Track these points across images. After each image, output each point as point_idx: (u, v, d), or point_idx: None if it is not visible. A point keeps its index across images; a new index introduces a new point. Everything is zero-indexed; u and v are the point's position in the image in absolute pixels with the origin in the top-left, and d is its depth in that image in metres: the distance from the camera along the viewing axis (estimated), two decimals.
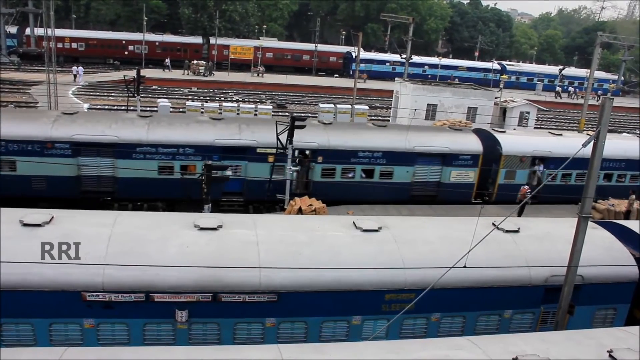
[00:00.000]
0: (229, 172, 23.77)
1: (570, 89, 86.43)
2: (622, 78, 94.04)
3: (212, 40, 79.87)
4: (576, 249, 13.57)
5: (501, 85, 58.43)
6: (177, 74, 69.37)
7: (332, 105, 47.69)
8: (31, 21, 70.17)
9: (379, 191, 26.61)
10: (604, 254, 14.99)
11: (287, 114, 47.19)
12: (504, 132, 30.71)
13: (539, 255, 14.48)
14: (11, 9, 65.88)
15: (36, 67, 63.63)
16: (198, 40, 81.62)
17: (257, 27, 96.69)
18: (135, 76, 35.85)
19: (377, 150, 26.33)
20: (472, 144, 28.27)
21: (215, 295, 12.31)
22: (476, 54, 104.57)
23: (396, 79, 50.68)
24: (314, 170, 25.97)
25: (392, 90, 48.94)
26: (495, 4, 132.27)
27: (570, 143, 29.77)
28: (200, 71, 70.03)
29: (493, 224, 14.98)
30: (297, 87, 69.48)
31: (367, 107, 51.28)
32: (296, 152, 25.12)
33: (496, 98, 46.87)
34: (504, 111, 46.51)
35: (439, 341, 11.41)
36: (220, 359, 8.91)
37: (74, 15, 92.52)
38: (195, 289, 12.20)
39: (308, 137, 25.48)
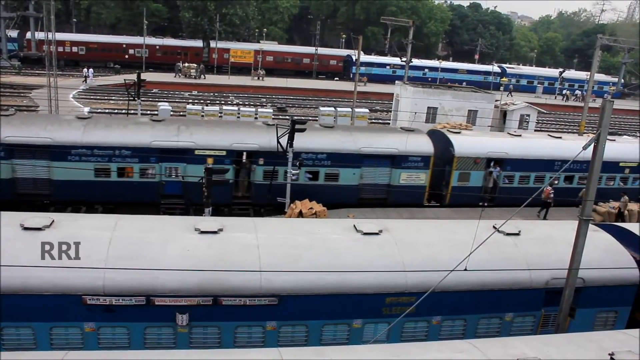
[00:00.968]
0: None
1: (577, 92, 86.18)
2: (622, 80, 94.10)
3: (213, 44, 79.97)
4: (577, 252, 13.56)
5: (504, 90, 58.43)
6: (168, 77, 69.49)
7: (333, 109, 47.71)
8: (32, 25, 70.26)
9: (325, 193, 25.70)
10: (605, 256, 14.98)
11: (287, 117, 47.22)
12: (458, 133, 29.75)
13: (540, 258, 14.47)
14: (12, 12, 66.02)
15: (37, 71, 63.73)
16: (198, 43, 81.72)
17: (257, 30, 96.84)
18: (136, 80, 35.92)
19: (321, 152, 25.59)
20: (422, 145, 27.39)
21: (216, 298, 12.30)
22: (476, 56, 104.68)
23: (396, 82, 50.70)
24: (255, 172, 25.33)
25: (393, 94, 48.92)
26: (495, 7, 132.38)
27: (528, 144, 29.58)
28: (192, 74, 70.19)
29: (494, 226, 14.97)
30: (297, 90, 69.51)
31: (367, 110, 51.29)
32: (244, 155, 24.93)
33: (496, 101, 46.85)
34: (504, 114, 46.50)
35: (440, 344, 11.40)
36: None
37: (74, 19, 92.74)
38: (196, 292, 12.19)
39: (249, 139, 25.07)
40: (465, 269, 11.99)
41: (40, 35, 65.31)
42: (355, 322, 13.34)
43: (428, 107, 42.84)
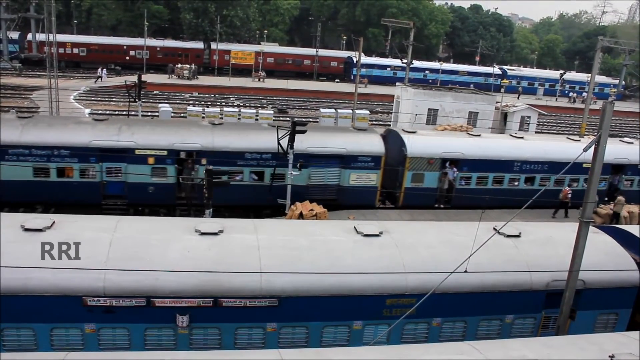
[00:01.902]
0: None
1: (584, 94, 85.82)
2: (623, 82, 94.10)
3: (214, 46, 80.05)
4: (577, 254, 13.56)
5: (504, 91, 58.36)
6: (162, 78, 69.77)
7: (333, 110, 47.75)
8: (33, 26, 70.51)
9: (271, 194, 25.22)
10: (605, 258, 14.96)
11: (288, 118, 47.24)
12: (413, 132, 29.04)
13: (540, 260, 14.46)
14: (13, 14, 66.17)
15: (38, 73, 63.79)
16: (199, 45, 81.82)
17: (258, 32, 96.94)
18: (137, 81, 35.95)
19: (265, 152, 24.94)
20: (372, 144, 26.61)
21: (216, 300, 12.30)
22: (477, 58, 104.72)
23: (397, 83, 50.75)
24: (198, 172, 24.74)
25: (393, 95, 48.97)
26: (496, 9, 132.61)
27: (486, 144, 28.86)
28: (185, 75, 70.40)
29: (494, 228, 14.97)
30: (298, 92, 69.56)
31: (368, 111, 51.32)
32: (183, 154, 24.59)
33: (497, 102, 46.85)
34: (505, 116, 46.52)
35: (440, 346, 11.40)
36: None
37: (75, 21, 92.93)
38: (196, 293, 12.19)
39: (191, 138, 24.71)
40: (466, 271, 11.99)
41: (41, 36, 65.58)
42: (356, 324, 13.33)
43: (429, 109, 42.89)
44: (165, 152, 24.16)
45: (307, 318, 12.96)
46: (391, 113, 51.76)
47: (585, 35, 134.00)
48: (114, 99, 54.41)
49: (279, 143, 23.10)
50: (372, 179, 26.56)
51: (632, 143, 31.88)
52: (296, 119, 29.51)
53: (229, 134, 25.40)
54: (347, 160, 26.05)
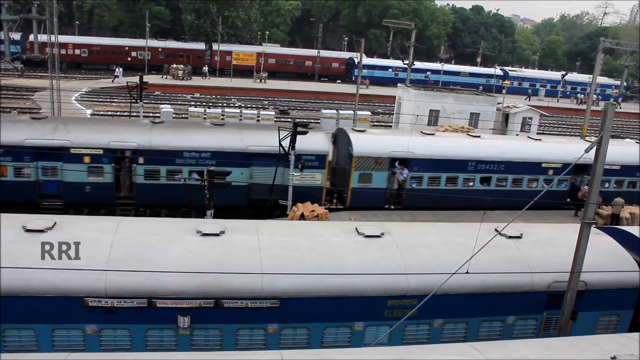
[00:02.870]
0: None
1: (594, 96, 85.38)
2: (625, 83, 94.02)
3: (215, 47, 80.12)
4: (579, 255, 13.54)
5: (505, 92, 58.31)
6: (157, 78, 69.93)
7: (335, 111, 47.77)
8: (35, 27, 70.61)
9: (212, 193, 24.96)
10: (607, 260, 14.94)
11: (289, 119, 47.26)
12: (362, 131, 28.26)
13: (542, 261, 14.44)
14: (15, 15, 66.30)
15: (39, 73, 63.88)
16: (201, 46, 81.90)
17: (259, 33, 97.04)
18: (138, 82, 36.00)
19: (205, 151, 24.50)
20: (317, 143, 25.75)
21: (218, 301, 12.30)
22: (478, 59, 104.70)
23: (398, 84, 50.75)
24: (137, 172, 24.38)
25: (395, 96, 48.98)
26: (497, 10, 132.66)
27: (439, 143, 28.13)
28: (179, 75, 70.58)
29: (495, 229, 14.97)
30: (299, 93, 69.61)
31: (369, 112, 51.33)
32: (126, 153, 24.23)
33: (498, 103, 46.86)
34: (506, 117, 46.50)
35: (442, 347, 11.39)
36: None
37: (77, 22, 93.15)
38: (198, 294, 12.20)
39: (127, 137, 24.29)
40: (467, 272, 11.98)
41: (42, 37, 65.73)
42: (357, 325, 13.32)
43: (430, 110, 42.87)
44: (101, 151, 23.70)
45: (308, 319, 12.95)
46: (392, 114, 51.79)
47: (587, 36, 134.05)
48: (115, 100, 54.45)
49: (280, 144, 23.08)
50: (317, 178, 25.91)
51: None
52: (297, 120, 29.43)
53: (168, 133, 24.93)
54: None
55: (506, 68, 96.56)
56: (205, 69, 74.63)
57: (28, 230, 12.47)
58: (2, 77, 55.22)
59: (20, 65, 66.74)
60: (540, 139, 31.43)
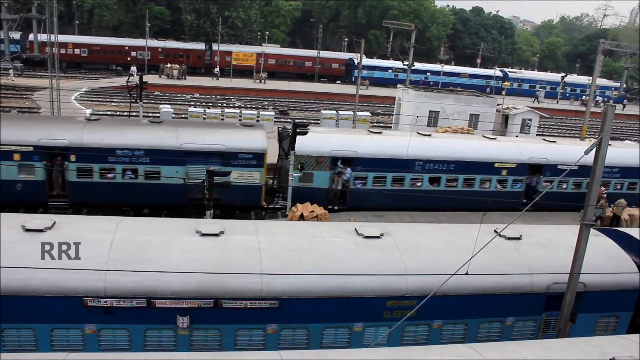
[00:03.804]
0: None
1: (598, 98, 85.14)
2: (625, 85, 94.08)
3: (215, 47, 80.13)
4: (578, 256, 13.55)
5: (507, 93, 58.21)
6: (153, 78, 69.86)
7: (335, 112, 47.78)
8: (34, 27, 70.67)
9: (146, 193, 24.24)
10: (606, 261, 14.95)
11: (289, 120, 47.27)
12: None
13: (541, 263, 14.45)
14: (15, 14, 66.30)
15: (39, 73, 63.87)
16: (201, 46, 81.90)
17: (259, 33, 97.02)
18: (138, 82, 36.00)
19: (138, 148, 23.88)
20: (254, 141, 25.23)
21: (217, 301, 12.30)
22: (478, 61, 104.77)
23: (398, 85, 50.78)
24: (69, 170, 23.81)
25: (394, 97, 49.00)
26: (497, 11, 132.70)
27: (384, 142, 27.27)
28: (174, 75, 70.73)
29: (495, 231, 14.98)
30: (299, 93, 69.60)
31: (369, 113, 51.34)
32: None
33: (498, 105, 46.90)
34: (506, 118, 46.53)
35: (441, 348, 11.38)
36: None
37: (77, 21, 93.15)
38: (197, 295, 12.19)
39: (59, 134, 23.64)
40: (467, 273, 11.98)
41: (42, 37, 65.76)
42: (356, 326, 13.33)
43: (430, 111, 42.87)
44: (31, 148, 23.24)
45: (307, 320, 12.96)
46: (392, 115, 51.81)
47: (587, 38, 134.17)
48: (115, 100, 54.46)
49: (280, 144, 23.05)
50: (255, 177, 25.27)
51: (554, 142, 30.54)
52: (297, 120, 29.32)
53: (101, 130, 24.41)
54: (226, 157, 24.82)
55: (506, 69, 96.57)
56: (217, 69, 74.59)
57: (27, 230, 12.47)
58: (2, 76, 55.26)
59: (19, 64, 66.77)
60: (495, 138, 30.25)
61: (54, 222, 12.91)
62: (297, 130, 23.13)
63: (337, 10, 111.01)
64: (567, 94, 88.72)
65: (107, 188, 23.81)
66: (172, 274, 12.00)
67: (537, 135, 48.19)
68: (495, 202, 26.91)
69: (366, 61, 79.48)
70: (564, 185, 29.13)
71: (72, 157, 23.57)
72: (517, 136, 41.82)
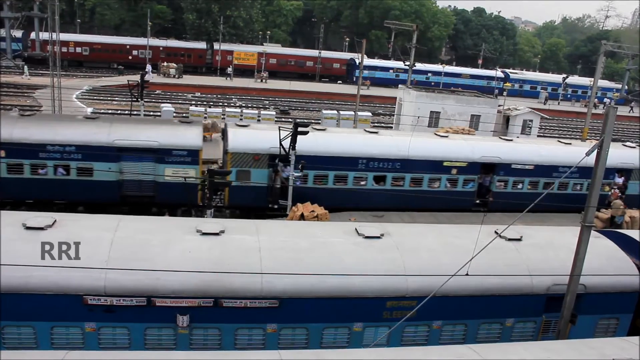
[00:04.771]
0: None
1: (606, 99, 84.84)
2: (626, 87, 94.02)
3: (216, 46, 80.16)
4: (579, 258, 13.54)
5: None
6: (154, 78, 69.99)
7: (336, 112, 47.78)
8: (36, 25, 70.66)
9: (78, 190, 23.86)
10: (606, 263, 14.94)
11: (290, 119, 47.28)
12: (245, 126, 26.79)
13: (541, 264, 14.45)
14: (17, 13, 66.36)
15: (41, 71, 63.91)
16: (202, 45, 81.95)
17: (261, 33, 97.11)
18: (139, 81, 36.02)
19: (69, 144, 23.48)
20: (188, 137, 24.71)
21: (217, 300, 12.31)
22: (480, 61, 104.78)
23: (399, 86, 50.79)
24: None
25: (395, 98, 48.99)
26: (499, 12, 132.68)
27: (325, 139, 26.43)
28: (171, 73, 70.80)
29: (495, 232, 14.96)
30: (300, 93, 69.65)
31: (370, 113, 51.35)
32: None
33: (499, 106, 46.89)
34: (507, 119, 46.51)
35: (440, 349, 11.38)
36: None
37: (78, 20, 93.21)
38: (197, 294, 12.20)
39: None
40: (467, 274, 11.98)
41: (44, 35, 65.74)
42: (356, 326, 13.33)
43: (431, 112, 42.86)
44: None
45: (307, 319, 12.96)
46: (393, 115, 51.81)
47: (589, 39, 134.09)
48: (116, 99, 54.48)
49: (280, 144, 23.01)
50: (190, 174, 24.65)
51: (511, 140, 30.01)
52: (298, 120, 29.17)
53: (33, 126, 24.08)
54: (160, 154, 24.28)
55: (507, 70, 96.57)
56: (230, 69, 74.61)
57: (28, 228, 12.47)
58: (4, 75, 55.29)
59: (21, 62, 66.80)
60: (447, 136, 29.27)
61: (55, 220, 12.92)
62: (298, 130, 23.08)
63: (338, 10, 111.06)
64: (569, 95, 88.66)
65: (38, 184, 23.53)
66: (172, 272, 12.00)
67: (537, 136, 48.20)
68: (446, 202, 26.17)
69: (367, 61, 79.52)
70: (519, 185, 28.14)
71: (2, 153, 23.27)
72: (518, 137, 41.80)
